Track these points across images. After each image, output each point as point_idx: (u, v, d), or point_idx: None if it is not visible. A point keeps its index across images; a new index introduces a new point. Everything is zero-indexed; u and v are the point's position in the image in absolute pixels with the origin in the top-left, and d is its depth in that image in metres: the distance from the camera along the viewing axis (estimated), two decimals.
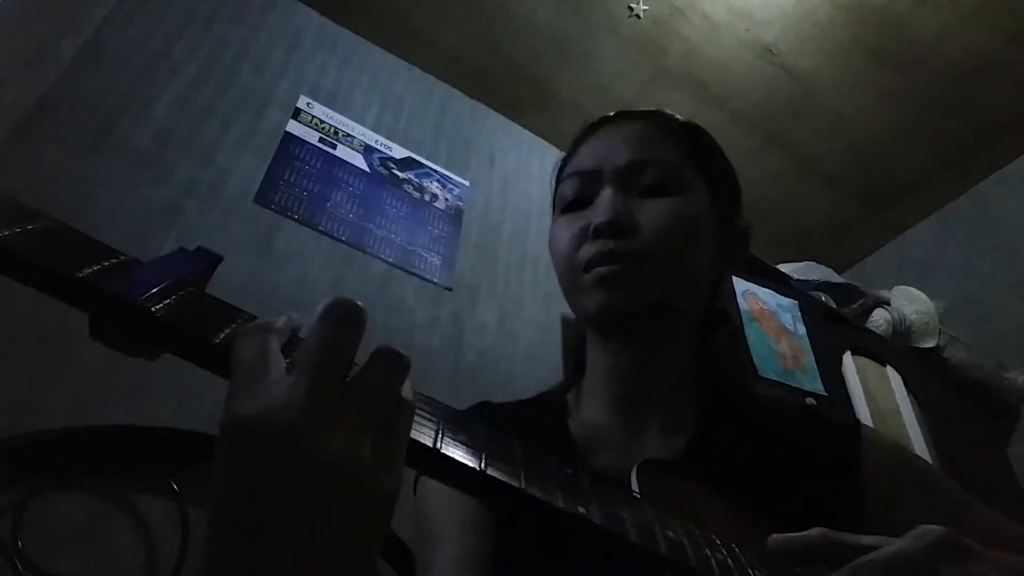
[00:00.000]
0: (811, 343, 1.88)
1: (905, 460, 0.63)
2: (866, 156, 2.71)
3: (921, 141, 2.63)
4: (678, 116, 0.75)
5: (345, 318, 0.34)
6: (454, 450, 0.34)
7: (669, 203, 0.65)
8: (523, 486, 0.34)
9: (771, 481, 0.57)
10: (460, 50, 2.57)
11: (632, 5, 2.33)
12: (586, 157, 0.71)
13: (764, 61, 2.46)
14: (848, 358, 1.96)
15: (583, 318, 0.67)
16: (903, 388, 2.00)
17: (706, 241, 0.67)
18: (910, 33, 2.31)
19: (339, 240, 2.04)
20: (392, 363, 0.35)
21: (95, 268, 0.34)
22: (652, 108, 0.76)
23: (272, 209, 1.97)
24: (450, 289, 2.17)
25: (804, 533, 0.40)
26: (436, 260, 2.20)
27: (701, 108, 2.58)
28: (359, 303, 0.35)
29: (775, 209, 2.92)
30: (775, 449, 0.61)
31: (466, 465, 0.34)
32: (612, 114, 0.76)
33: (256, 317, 0.38)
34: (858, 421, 0.66)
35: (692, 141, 0.72)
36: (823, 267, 2.41)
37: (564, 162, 0.77)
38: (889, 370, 2.04)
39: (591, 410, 0.69)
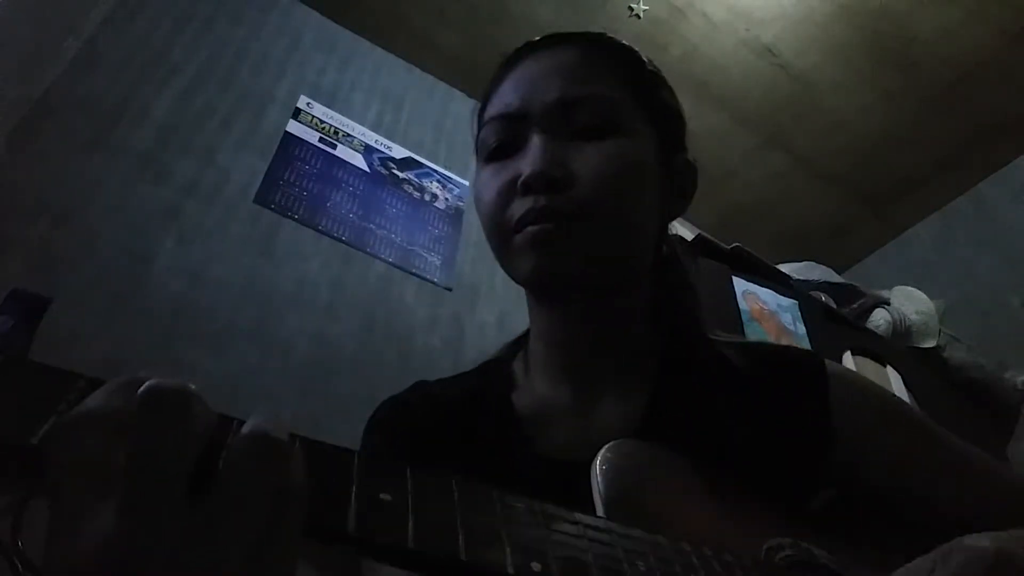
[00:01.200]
0: (811, 343, 1.87)
1: (875, 395, 0.59)
2: (866, 156, 2.72)
3: (921, 141, 2.63)
4: (615, 38, 0.65)
5: (165, 414, 0.25)
6: (375, 523, 0.28)
7: (608, 147, 0.56)
8: (465, 556, 0.29)
9: (739, 433, 0.53)
10: (460, 50, 2.57)
11: (632, 5, 2.33)
12: (510, 94, 0.60)
13: (764, 61, 2.46)
14: (848, 358, 1.96)
15: (517, 281, 0.59)
16: (903, 388, 2.00)
17: (650, 184, 0.59)
18: (910, 33, 2.31)
19: (339, 240, 2.04)
20: (260, 453, 0.25)
21: None
22: (584, 30, 0.65)
23: (272, 209, 1.97)
24: (450, 289, 2.17)
25: None
26: (436, 260, 2.20)
27: (701, 108, 2.58)
28: (180, 387, 0.25)
29: (775, 209, 2.92)
30: (739, 398, 0.56)
31: (394, 545, 0.28)
32: (538, 39, 0.64)
33: (101, 382, 0.27)
34: (822, 358, 0.61)
35: (631, 69, 0.62)
36: (823, 267, 2.40)
37: (486, 99, 0.65)
38: (889, 370, 2.03)
39: (537, 379, 0.62)
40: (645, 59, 0.65)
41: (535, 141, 0.56)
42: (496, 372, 0.66)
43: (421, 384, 0.68)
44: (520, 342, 0.69)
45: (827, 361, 0.60)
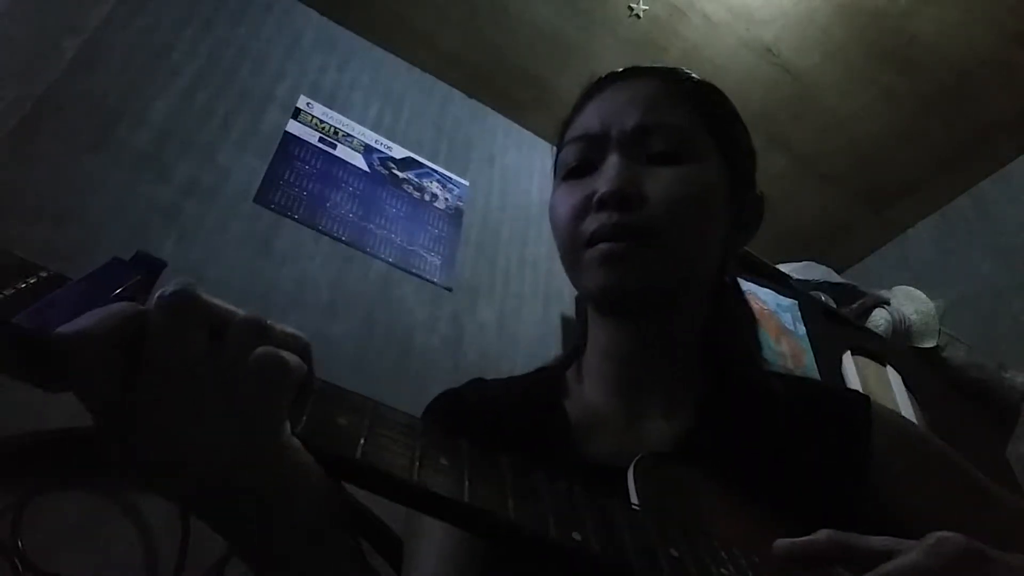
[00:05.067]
0: (811, 343, 1.88)
1: (917, 439, 0.59)
2: (866, 156, 2.71)
3: (921, 141, 2.63)
4: (693, 74, 0.69)
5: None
6: (434, 479, 0.31)
7: (680, 172, 0.59)
8: (512, 516, 0.31)
9: (777, 464, 0.54)
10: (460, 50, 2.57)
11: (632, 5, 2.33)
12: (591, 119, 0.64)
13: (764, 61, 2.46)
14: (848, 358, 1.96)
15: (583, 295, 0.62)
16: (903, 388, 2.00)
17: (719, 212, 0.62)
18: (910, 33, 2.31)
19: (339, 240, 2.04)
20: (165, 316, 0.31)
21: (3, 294, 0.29)
22: (665, 65, 0.69)
23: (272, 209, 1.97)
24: (450, 289, 2.17)
25: (810, 537, 0.37)
26: (436, 260, 2.20)
27: None
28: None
29: (775, 209, 2.89)
30: (781, 430, 0.58)
31: (450, 499, 0.31)
32: (620, 70, 0.68)
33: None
34: (868, 397, 0.62)
35: (707, 103, 0.66)
36: (823, 267, 2.41)
37: (567, 123, 0.70)
38: (889, 370, 2.03)
39: (590, 389, 0.65)
40: (720, 94, 0.68)
41: (611, 161, 0.60)
42: (550, 379, 0.69)
43: (478, 381, 0.71)
44: (575, 352, 0.71)
45: (874, 402, 0.61)
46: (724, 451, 0.55)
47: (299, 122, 2.21)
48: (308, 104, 2.27)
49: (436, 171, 2.43)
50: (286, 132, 2.15)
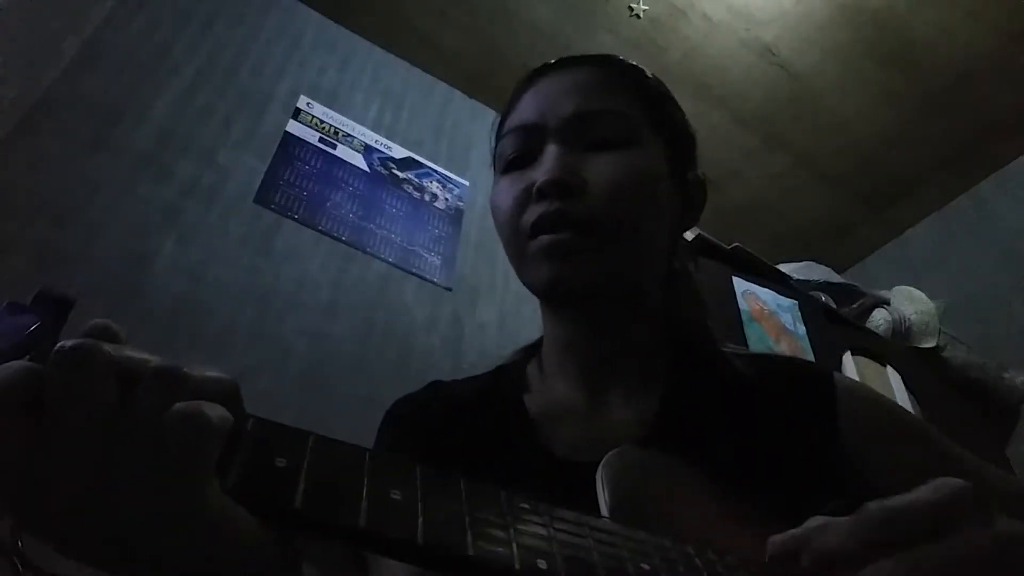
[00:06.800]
0: (811, 343, 1.87)
1: (883, 408, 0.59)
2: (866, 156, 2.71)
3: (921, 141, 2.63)
4: (626, 60, 0.68)
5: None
6: (385, 520, 0.29)
7: (619, 157, 0.58)
8: (472, 553, 0.29)
9: (745, 446, 0.53)
10: (460, 50, 2.57)
11: (632, 5, 2.33)
12: (527, 110, 0.63)
13: (764, 61, 2.46)
14: (848, 358, 1.96)
15: (530, 289, 0.61)
16: (903, 388, 2.00)
17: (662, 197, 0.61)
18: (910, 33, 2.31)
19: (339, 240, 2.04)
20: (66, 367, 0.27)
21: None
22: (599, 53, 0.68)
23: (272, 209, 1.97)
24: (450, 289, 2.17)
25: (802, 528, 0.34)
26: (436, 260, 2.20)
27: (701, 108, 2.58)
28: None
29: (775, 209, 2.92)
30: (746, 408, 0.57)
31: (403, 541, 0.29)
32: (553, 61, 0.67)
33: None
34: (831, 370, 0.61)
35: (642, 87, 0.65)
36: (823, 267, 2.40)
37: (504, 116, 0.69)
38: (889, 370, 2.03)
39: (552, 382, 0.64)
40: (654, 79, 0.68)
41: (550, 150, 0.59)
42: (510, 375, 0.68)
43: (436, 383, 0.70)
44: (535, 346, 0.71)
45: (836, 374, 0.61)
46: (692, 433, 0.54)
47: (299, 122, 2.21)
48: (308, 104, 2.27)
49: (436, 171, 2.43)
50: (286, 132, 2.15)
